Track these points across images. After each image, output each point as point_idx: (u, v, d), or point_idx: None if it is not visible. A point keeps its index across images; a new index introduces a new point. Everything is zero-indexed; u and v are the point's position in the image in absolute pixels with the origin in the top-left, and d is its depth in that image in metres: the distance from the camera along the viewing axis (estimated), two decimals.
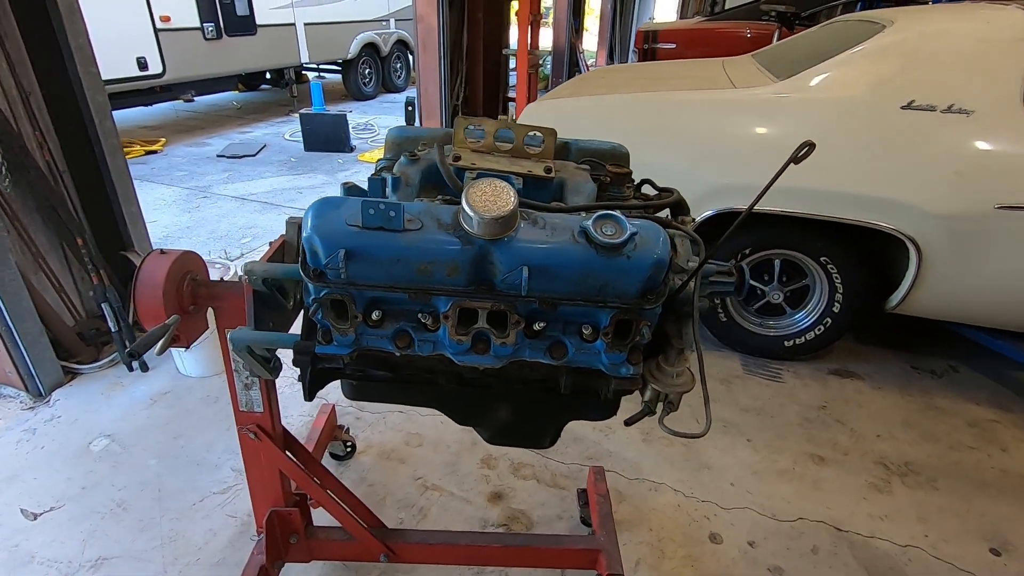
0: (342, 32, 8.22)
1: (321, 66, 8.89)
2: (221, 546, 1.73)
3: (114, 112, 6.90)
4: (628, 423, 1.01)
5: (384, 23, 9.10)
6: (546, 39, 10.54)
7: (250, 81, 8.86)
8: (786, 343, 2.66)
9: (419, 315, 0.86)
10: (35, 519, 1.81)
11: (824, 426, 2.33)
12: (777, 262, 2.58)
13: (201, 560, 1.70)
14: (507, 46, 6.23)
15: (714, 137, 2.36)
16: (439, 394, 1.16)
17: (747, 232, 2.50)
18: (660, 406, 1.06)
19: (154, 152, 6.10)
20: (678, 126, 2.43)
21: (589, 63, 9.90)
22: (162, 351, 1.10)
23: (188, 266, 1.16)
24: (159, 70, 5.75)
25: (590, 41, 14.73)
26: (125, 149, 6.16)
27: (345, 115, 6.20)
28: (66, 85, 2.32)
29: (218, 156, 6.05)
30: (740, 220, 0.89)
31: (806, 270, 2.56)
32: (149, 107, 6.91)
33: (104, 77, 5.31)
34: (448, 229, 0.79)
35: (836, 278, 2.46)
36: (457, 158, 0.98)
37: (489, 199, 0.75)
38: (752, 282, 2.65)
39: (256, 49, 6.96)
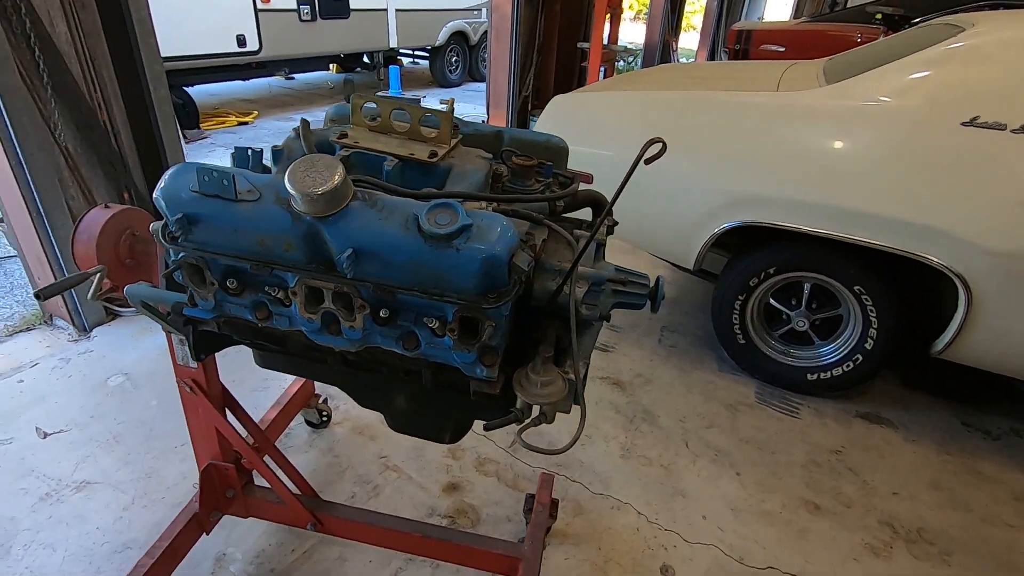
0: (432, 19, 8.43)
1: (411, 51, 9.19)
2: (187, 489, 1.85)
3: (214, 84, 7.49)
4: (488, 428, 0.96)
5: (476, 13, 9.23)
6: (639, 35, 10.20)
7: (346, 63, 9.32)
8: (809, 376, 2.41)
9: (266, 288, 0.86)
10: (45, 438, 2.03)
11: (832, 473, 2.10)
12: (806, 286, 2.34)
13: (166, 499, 1.82)
14: (586, 39, 6.10)
15: (737, 142, 2.18)
16: (338, 373, 1.16)
17: (772, 249, 2.29)
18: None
19: (246, 123, 6.60)
20: (697, 127, 2.26)
21: (683, 62, 9.49)
22: (94, 297, 1.18)
23: (130, 222, 1.24)
24: (256, 47, 6.19)
25: (692, 39, 14.14)
26: (221, 119, 6.73)
27: (419, 99, 6.35)
28: (128, 54, 2.55)
29: None
30: (583, 251, 0.80)
31: (839, 298, 2.31)
32: (246, 82, 7.49)
33: (206, 51, 5.81)
34: (283, 204, 0.78)
35: (871, 311, 2.20)
36: (343, 135, 0.96)
37: (309, 176, 0.73)
38: (777, 305, 2.43)
39: (348, 32, 7.31)
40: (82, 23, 2.43)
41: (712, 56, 10.02)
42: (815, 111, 2.10)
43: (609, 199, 1.18)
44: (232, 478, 1.54)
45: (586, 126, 2.54)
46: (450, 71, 9.32)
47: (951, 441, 2.28)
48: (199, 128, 5.86)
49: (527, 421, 0.95)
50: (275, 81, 8.57)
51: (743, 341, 2.50)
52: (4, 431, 2.05)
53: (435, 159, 0.94)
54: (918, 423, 2.37)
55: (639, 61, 8.68)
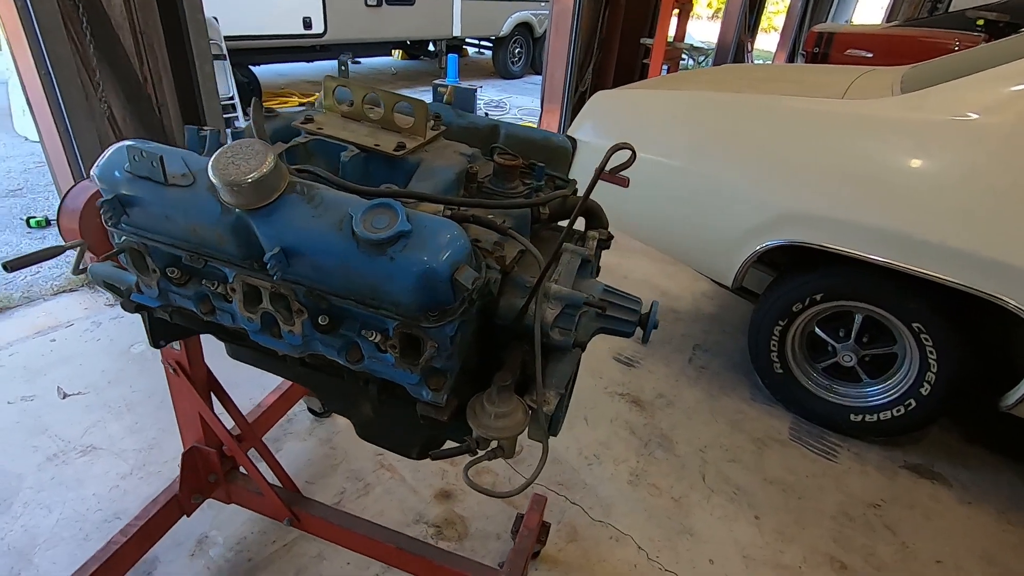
0: (497, 9, 8.34)
1: (474, 41, 9.16)
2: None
3: (279, 65, 7.69)
4: (434, 457, 0.86)
5: (543, 3, 9.07)
6: (713, 34, 9.76)
7: (411, 50, 9.39)
8: (852, 416, 2.18)
9: (204, 282, 0.79)
10: (64, 398, 2.09)
11: (867, 529, 1.88)
12: (857, 317, 2.11)
13: (162, 472, 1.83)
14: (651, 36, 5.85)
15: (790, 152, 1.97)
16: (306, 374, 1.09)
17: (822, 273, 2.07)
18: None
19: (306, 104, 6.75)
20: (747, 133, 2.06)
21: (756, 63, 8.99)
22: (75, 272, 1.16)
23: None
24: (321, 30, 6.31)
25: (772, 40, 13.41)
26: (283, 98, 6.89)
27: (475, 89, 6.30)
28: (178, 29, 2.59)
29: None
30: (548, 267, 0.67)
31: (894, 334, 2.06)
32: (310, 64, 7.66)
33: (272, 32, 5.94)
34: (216, 192, 0.71)
35: (930, 352, 1.95)
36: (309, 120, 0.88)
37: (235, 163, 0.65)
38: (822, 335, 2.20)
39: (412, 19, 7.34)
40: None
41: (791, 59, 9.45)
42: (884, 123, 1.86)
43: (609, 209, 1.05)
44: (214, 463, 1.51)
45: (627, 125, 2.38)
46: (512, 62, 9.22)
47: (1016, 509, 2.00)
48: None
49: (481, 454, 0.84)
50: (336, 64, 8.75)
51: (780, 371, 2.28)
52: (29, 388, 2.13)
53: (401, 152, 0.84)
54: (977, 483, 2.09)
55: (710, 60, 8.29)
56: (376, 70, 9.26)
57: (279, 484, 1.54)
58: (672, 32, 5.55)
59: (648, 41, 5.54)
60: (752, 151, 2.04)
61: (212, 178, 0.66)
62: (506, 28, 8.63)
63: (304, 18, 6.07)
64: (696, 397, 2.40)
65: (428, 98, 7.13)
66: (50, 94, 2.25)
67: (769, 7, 11.13)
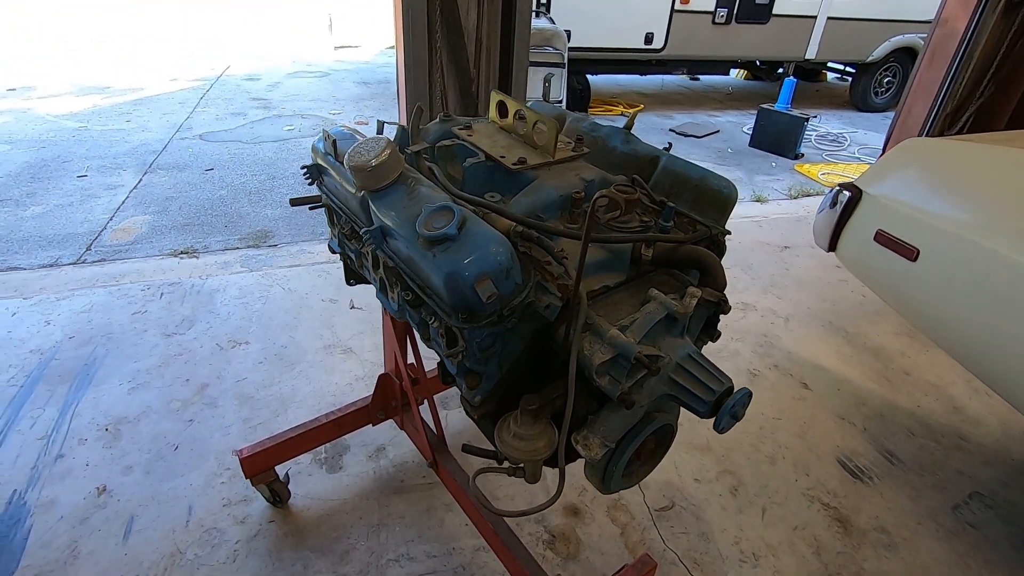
0: (870, 31, 7.15)
1: (842, 66, 8.09)
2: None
3: (613, 76, 8.17)
4: (463, 449, 0.89)
5: None
6: None
7: (756, 70, 8.85)
8: None
9: (354, 241, 1.00)
10: (351, 308, 2.79)
11: None
12: None
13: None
14: None
15: None
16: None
17: None
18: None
19: (628, 113, 7.09)
20: None
21: None
22: None
23: None
24: (660, 45, 6.48)
25: None
26: (608, 106, 7.38)
27: (804, 119, 5.63)
28: (508, 39, 3.06)
29: (670, 130, 6.56)
30: (576, 303, 0.62)
31: None
32: (643, 76, 7.94)
33: (614, 45, 6.38)
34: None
35: None
36: (467, 127, 0.99)
37: (362, 152, 0.80)
38: None
39: (761, 38, 6.89)
40: (487, 13, 3.02)
41: None
42: None
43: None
44: (396, 393, 1.84)
45: (939, 186, 1.86)
46: (876, 93, 7.83)
47: None
48: (585, 112, 6.60)
49: (504, 466, 0.87)
50: (669, 79, 8.86)
51: None
52: (336, 294, 2.91)
53: (516, 166, 0.89)
54: None
55: None
56: (712, 87, 9.06)
57: (434, 431, 1.78)
58: None
59: None
60: None
61: (346, 162, 0.83)
62: (878, 53, 7.35)
63: (647, 34, 6.34)
64: (939, 556, 1.79)
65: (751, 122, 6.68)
66: (409, 86, 2.96)
67: None
